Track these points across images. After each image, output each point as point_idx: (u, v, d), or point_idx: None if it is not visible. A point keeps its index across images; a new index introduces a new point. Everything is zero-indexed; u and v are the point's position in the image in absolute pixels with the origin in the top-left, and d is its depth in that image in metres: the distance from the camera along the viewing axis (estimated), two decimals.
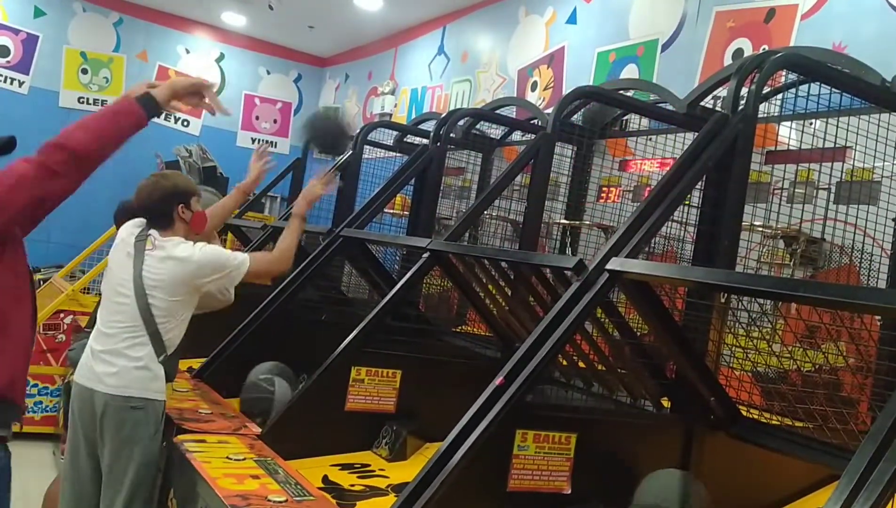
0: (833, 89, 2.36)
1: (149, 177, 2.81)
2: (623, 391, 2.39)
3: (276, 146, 9.27)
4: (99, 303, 3.43)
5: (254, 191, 3.59)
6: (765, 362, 2.28)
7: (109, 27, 8.43)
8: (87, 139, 1.94)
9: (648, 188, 3.50)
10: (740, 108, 2.23)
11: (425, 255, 2.88)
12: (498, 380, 1.91)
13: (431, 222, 4.06)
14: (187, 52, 8.87)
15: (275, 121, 9.34)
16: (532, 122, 4.32)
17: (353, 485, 2.45)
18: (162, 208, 2.70)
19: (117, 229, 3.49)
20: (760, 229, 2.78)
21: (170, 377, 2.69)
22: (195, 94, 2.21)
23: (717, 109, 2.84)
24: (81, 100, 8.31)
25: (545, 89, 5.70)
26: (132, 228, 2.75)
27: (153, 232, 2.69)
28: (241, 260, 2.72)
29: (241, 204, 3.43)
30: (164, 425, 2.66)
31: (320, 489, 2.32)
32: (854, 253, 2.81)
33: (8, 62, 7.98)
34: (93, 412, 2.57)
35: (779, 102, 2.98)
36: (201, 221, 2.81)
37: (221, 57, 9.04)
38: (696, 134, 2.26)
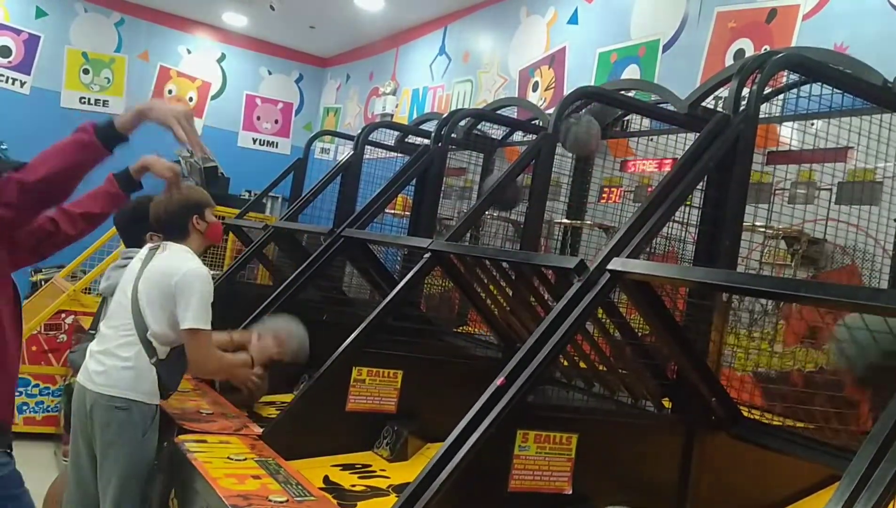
0: (834, 90, 2.36)
1: (162, 192, 2.85)
2: (624, 391, 2.39)
3: (277, 146, 9.28)
4: (101, 304, 3.46)
5: None
6: (766, 362, 2.27)
7: (111, 27, 8.44)
8: (34, 166, 2.00)
9: (650, 189, 3.50)
10: (742, 108, 2.23)
11: (426, 255, 2.89)
12: (499, 380, 1.91)
13: (433, 223, 4.06)
14: (188, 52, 8.88)
15: (276, 121, 9.34)
16: (533, 122, 4.32)
17: (353, 485, 2.45)
18: (176, 221, 2.76)
19: (117, 230, 3.52)
20: (762, 229, 2.78)
21: (166, 389, 2.66)
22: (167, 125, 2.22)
23: (719, 109, 2.83)
24: (83, 100, 8.32)
25: (546, 90, 5.70)
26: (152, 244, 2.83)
27: (168, 242, 2.75)
28: (206, 322, 2.64)
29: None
30: (166, 425, 2.66)
31: (321, 489, 2.32)
32: (856, 254, 2.81)
33: (10, 62, 7.99)
34: (85, 411, 2.58)
35: (780, 103, 2.98)
36: (217, 231, 2.86)
37: (223, 57, 9.04)
38: (698, 134, 2.26)
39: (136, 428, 2.55)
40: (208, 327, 2.66)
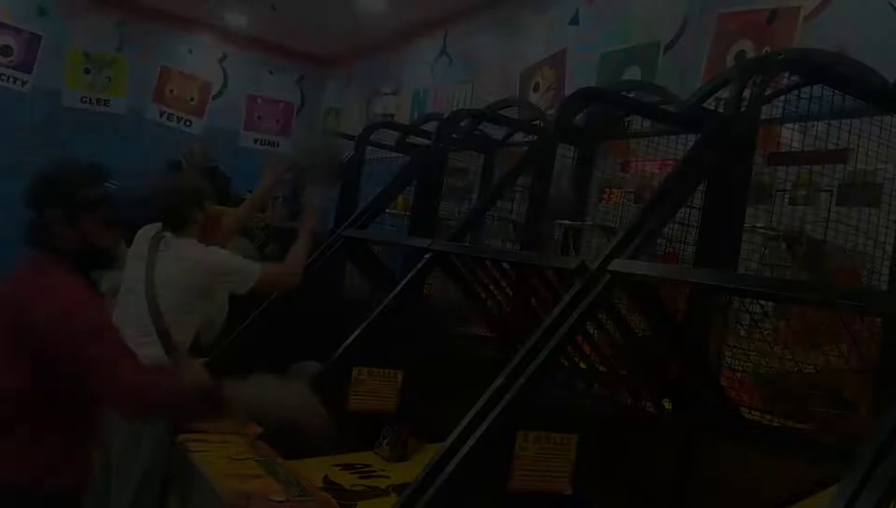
0: (835, 92, 2.36)
1: (163, 180, 2.86)
2: (624, 392, 2.40)
3: (278, 147, 9.28)
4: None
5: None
6: (766, 363, 2.28)
7: (112, 27, 8.44)
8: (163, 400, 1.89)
9: (650, 190, 3.50)
10: (742, 110, 2.23)
11: (427, 255, 2.89)
12: (500, 381, 1.91)
13: (433, 223, 4.06)
14: (190, 52, 8.88)
15: (277, 121, 9.34)
16: (534, 123, 4.32)
17: (353, 485, 2.45)
18: (176, 210, 2.76)
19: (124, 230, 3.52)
20: (762, 230, 2.78)
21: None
22: None
23: (720, 111, 2.83)
24: (84, 99, 8.31)
25: (548, 91, 5.70)
26: (148, 230, 2.80)
27: (167, 234, 2.74)
28: (253, 269, 2.76)
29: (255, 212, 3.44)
30: (166, 424, 2.67)
31: (321, 489, 2.33)
32: (856, 255, 2.80)
33: (10, 61, 7.99)
34: None
35: (781, 104, 2.98)
36: (215, 223, 2.87)
37: (224, 57, 9.04)
38: (699, 136, 2.26)
39: (156, 424, 2.58)
40: (256, 271, 2.79)
